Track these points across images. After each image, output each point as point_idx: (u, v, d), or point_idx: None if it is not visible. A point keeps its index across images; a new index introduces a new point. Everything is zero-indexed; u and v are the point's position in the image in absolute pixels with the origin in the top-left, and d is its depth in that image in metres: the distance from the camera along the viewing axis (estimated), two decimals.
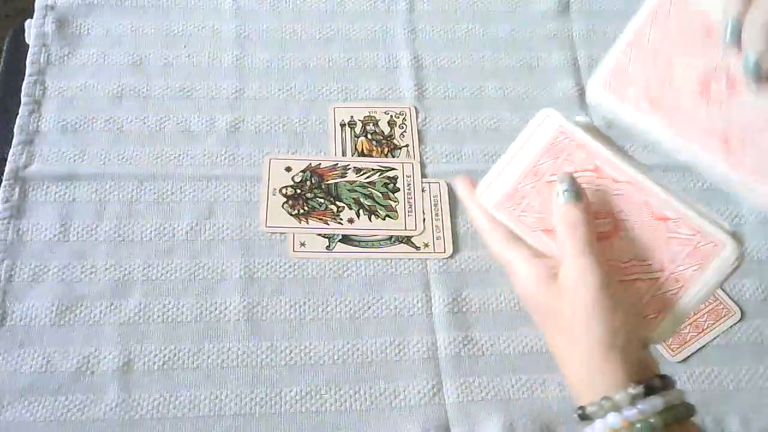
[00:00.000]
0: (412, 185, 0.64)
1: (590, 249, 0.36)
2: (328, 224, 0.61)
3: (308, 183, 0.63)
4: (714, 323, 0.59)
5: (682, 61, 0.37)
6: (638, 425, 0.33)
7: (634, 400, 0.34)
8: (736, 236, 0.36)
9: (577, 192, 0.38)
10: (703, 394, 0.56)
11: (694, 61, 0.37)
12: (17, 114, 0.64)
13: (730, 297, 0.60)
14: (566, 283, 0.37)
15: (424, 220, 0.62)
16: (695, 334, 0.58)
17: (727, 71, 0.35)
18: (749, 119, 0.35)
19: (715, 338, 0.58)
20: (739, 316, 0.59)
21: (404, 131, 0.67)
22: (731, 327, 0.59)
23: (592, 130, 0.40)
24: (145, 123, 0.65)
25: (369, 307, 0.58)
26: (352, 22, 0.73)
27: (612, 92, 0.40)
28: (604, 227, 0.39)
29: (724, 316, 0.59)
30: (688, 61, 0.37)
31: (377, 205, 0.63)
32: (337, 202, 0.62)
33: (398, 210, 0.62)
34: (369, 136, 0.66)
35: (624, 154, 0.39)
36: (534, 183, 0.41)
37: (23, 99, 0.64)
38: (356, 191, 0.63)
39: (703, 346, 0.58)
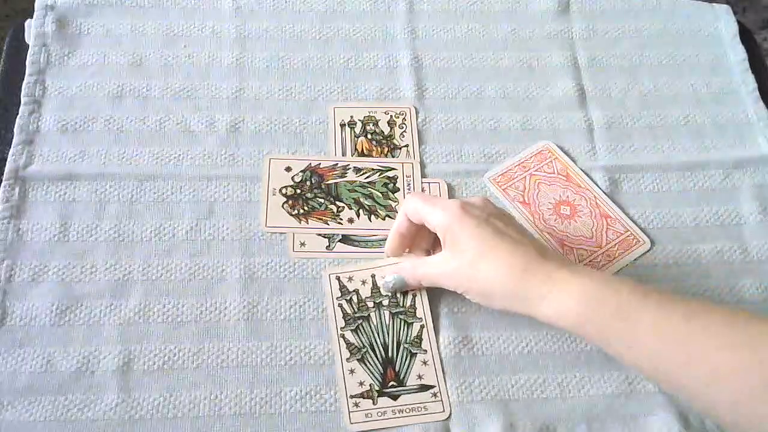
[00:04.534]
0: (412, 185, 0.64)
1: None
2: (328, 224, 0.61)
3: (308, 183, 0.63)
4: (624, 252, 0.62)
5: (547, 188, 0.63)
6: None
7: None
8: (650, 238, 0.62)
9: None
10: None
11: (554, 191, 0.63)
12: (17, 114, 0.64)
13: (639, 227, 0.63)
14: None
15: None
16: (606, 262, 0.61)
17: (574, 207, 0.63)
18: (578, 235, 0.61)
19: (625, 266, 0.61)
20: (649, 245, 0.62)
21: (404, 131, 0.67)
22: (641, 255, 0.62)
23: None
24: (145, 123, 0.65)
25: None
26: (352, 22, 0.73)
27: (496, 186, 0.64)
28: (565, 211, 0.62)
29: (635, 244, 0.62)
30: (551, 189, 0.63)
31: (377, 205, 0.63)
32: (337, 202, 0.62)
33: (398, 210, 0.62)
34: (369, 136, 0.66)
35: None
36: (522, 172, 0.65)
37: (23, 99, 0.64)
38: (356, 191, 0.63)
39: (615, 273, 0.61)
